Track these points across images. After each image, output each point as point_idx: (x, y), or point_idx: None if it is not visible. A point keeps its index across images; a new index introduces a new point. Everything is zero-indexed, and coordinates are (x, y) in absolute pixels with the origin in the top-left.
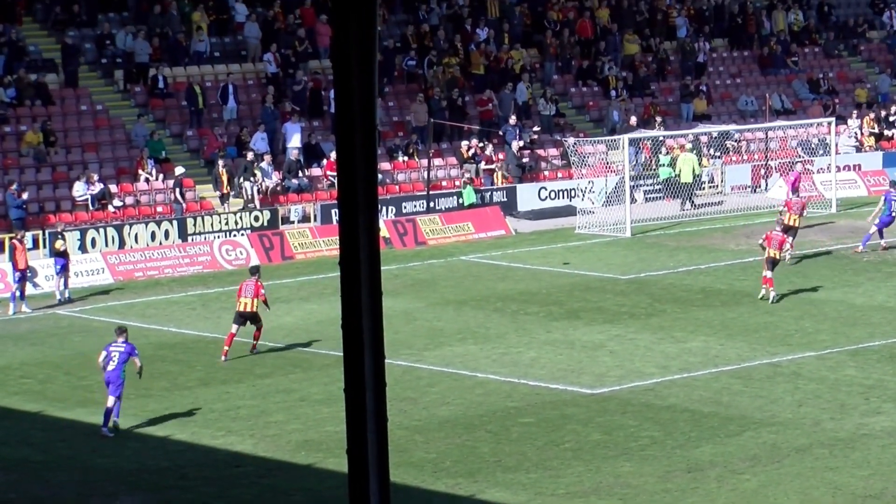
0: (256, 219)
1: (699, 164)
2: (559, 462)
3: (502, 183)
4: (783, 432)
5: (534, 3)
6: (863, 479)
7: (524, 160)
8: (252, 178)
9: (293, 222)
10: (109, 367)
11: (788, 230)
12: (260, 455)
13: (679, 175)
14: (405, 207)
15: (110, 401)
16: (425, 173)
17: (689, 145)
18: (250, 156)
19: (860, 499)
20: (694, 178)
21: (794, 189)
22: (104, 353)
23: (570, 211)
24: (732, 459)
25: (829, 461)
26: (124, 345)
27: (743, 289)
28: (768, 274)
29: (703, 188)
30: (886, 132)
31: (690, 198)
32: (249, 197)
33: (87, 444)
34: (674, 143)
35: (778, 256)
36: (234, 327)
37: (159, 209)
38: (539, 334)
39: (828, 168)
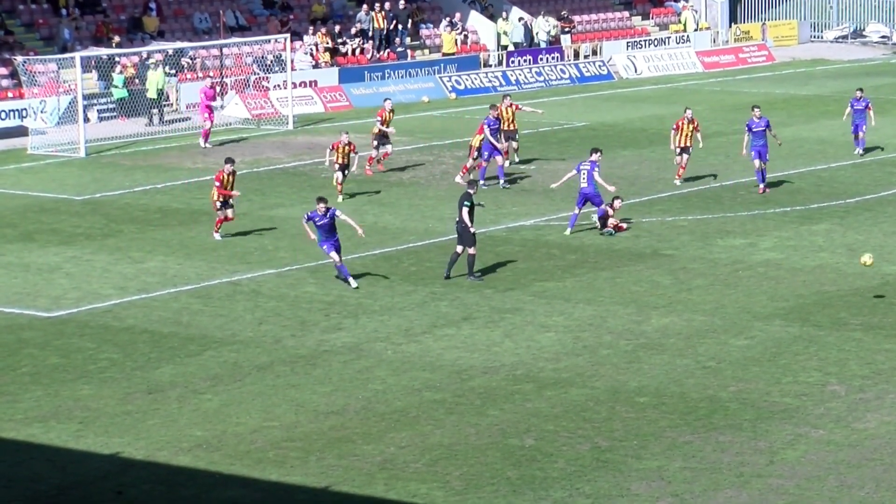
0: None
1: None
2: (17, 387)
3: None
4: (244, 350)
5: None
6: (325, 396)
7: None
8: None
9: None
10: None
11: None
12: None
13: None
14: None
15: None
16: None
17: (152, 62)
18: None
19: (322, 415)
20: (158, 93)
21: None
22: None
23: (22, 131)
24: (193, 379)
25: (290, 378)
26: None
27: (201, 207)
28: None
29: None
30: (341, 48)
31: (161, 114)
32: None
33: None
34: (127, 62)
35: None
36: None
37: None
38: None
39: (284, 84)
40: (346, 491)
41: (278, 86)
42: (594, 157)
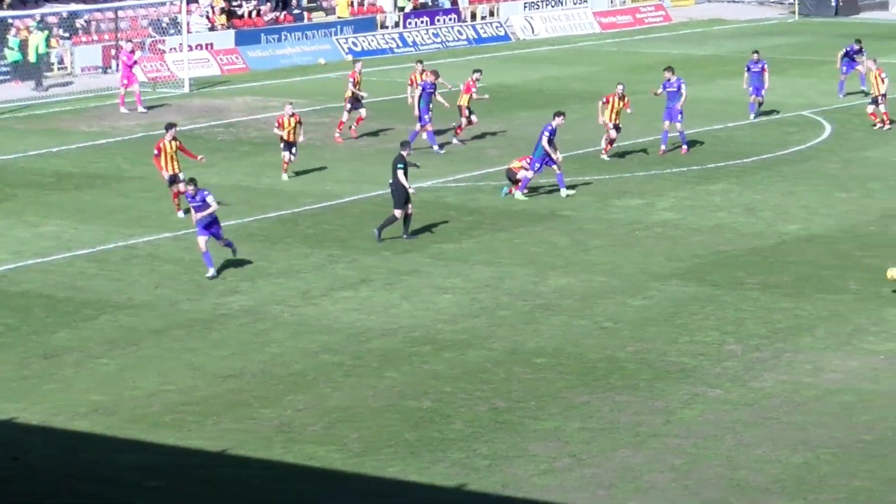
0: None
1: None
2: None
3: None
4: (140, 314)
5: None
6: (222, 359)
7: None
8: None
9: None
10: None
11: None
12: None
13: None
14: None
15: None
16: None
17: (33, 24)
18: None
19: (220, 378)
20: (38, 57)
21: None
22: None
23: None
24: (90, 343)
25: (187, 342)
26: None
27: (97, 171)
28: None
29: (53, 69)
30: (238, 10)
31: (40, 77)
32: None
33: None
34: (21, 25)
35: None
36: None
37: None
38: None
39: (180, 47)
40: (243, 454)
41: (174, 48)
42: (555, 121)
